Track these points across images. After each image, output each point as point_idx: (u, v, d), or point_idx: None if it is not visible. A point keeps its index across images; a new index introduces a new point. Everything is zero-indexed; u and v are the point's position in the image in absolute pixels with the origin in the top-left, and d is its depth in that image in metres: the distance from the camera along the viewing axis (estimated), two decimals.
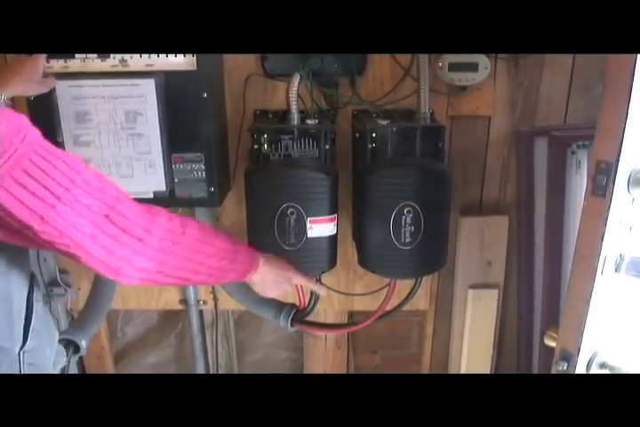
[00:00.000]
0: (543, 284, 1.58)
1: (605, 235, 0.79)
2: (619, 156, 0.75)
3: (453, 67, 1.44)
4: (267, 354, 2.01)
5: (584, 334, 0.86)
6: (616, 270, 0.83)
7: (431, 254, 1.35)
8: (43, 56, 1.20)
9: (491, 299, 1.70)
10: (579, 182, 1.38)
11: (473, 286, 1.70)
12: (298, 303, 1.53)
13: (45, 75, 1.20)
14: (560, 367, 0.91)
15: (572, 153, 1.37)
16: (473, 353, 1.77)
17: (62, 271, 1.74)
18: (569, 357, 0.90)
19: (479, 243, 1.65)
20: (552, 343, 0.98)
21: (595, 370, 0.89)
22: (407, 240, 1.29)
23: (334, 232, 1.33)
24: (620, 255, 0.82)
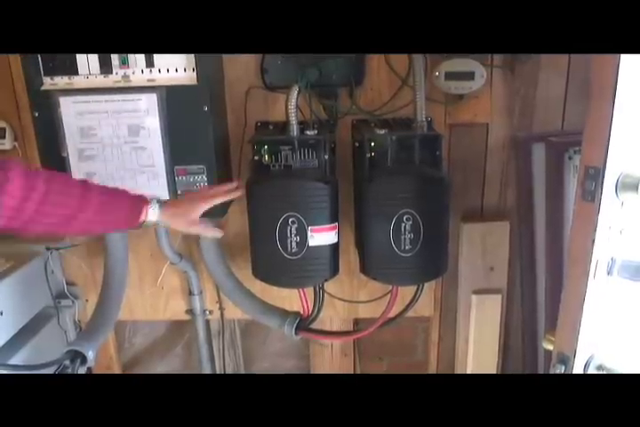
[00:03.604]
0: (546, 287, 1.59)
1: (596, 239, 0.81)
2: (606, 161, 0.76)
3: (450, 75, 1.46)
4: (273, 363, 2.03)
5: (580, 337, 0.87)
6: (608, 274, 0.84)
7: (431, 261, 1.36)
8: (207, 205, 1.21)
9: (494, 304, 1.71)
10: None
11: (476, 292, 1.71)
12: (302, 311, 1.54)
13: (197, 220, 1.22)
14: (557, 371, 0.92)
15: (569, 158, 1.39)
16: (479, 358, 1.77)
17: (70, 284, 1.77)
18: (566, 360, 0.91)
19: (481, 249, 1.66)
20: (550, 347, 0.99)
21: (592, 372, 0.90)
22: (407, 247, 1.31)
23: (335, 240, 1.34)
24: (612, 259, 0.83)
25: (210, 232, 1.29)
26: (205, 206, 1.20)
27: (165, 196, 1.39)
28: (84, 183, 1.09)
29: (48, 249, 1.66)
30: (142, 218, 1.14)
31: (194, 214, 1.20)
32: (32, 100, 1.35)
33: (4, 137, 1.57)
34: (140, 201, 1.15)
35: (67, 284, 1.76)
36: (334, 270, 1.38)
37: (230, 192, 1.25)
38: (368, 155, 1.35)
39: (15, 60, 1.49)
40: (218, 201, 1.22)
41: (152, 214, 1.15)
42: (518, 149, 1.58)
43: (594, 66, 0.79)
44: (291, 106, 1.34)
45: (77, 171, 1.37)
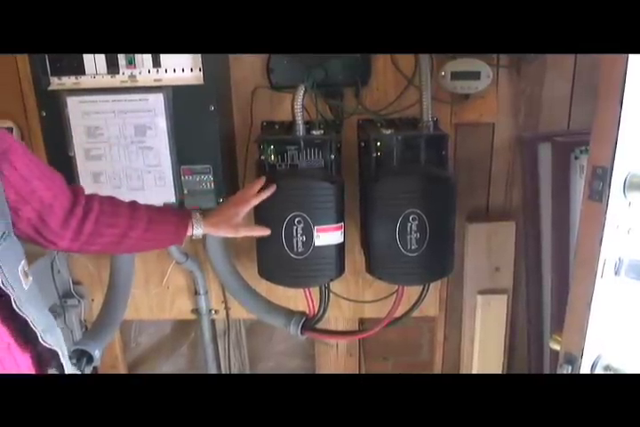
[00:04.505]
0: (551, 288, 1.58)
1: (603, 239, 0.81)
2: (613, 161, 0.76)
3: (456, 75, 1.46)
4: (279, 362, 2.03)
5: (587, 337, 0.87)
6: (616, 274, 0.84)
7: (437, 261, 1.36)
8: (247, 207, 1.23)
9: (500, 304, 1.71)
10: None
11: (482, 292, 1.71)
12: (307, 311, 1.55)
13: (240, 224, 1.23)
14: (565, 371, 0.92)
15: (576, 158, 1.39)
16: (484, 359, 1.77)
17: (76, 283, 1.78)
18: (573, 360, 0.91)
19: (486, 249, 1.66)
20: (557, 347, 0.99)
21: (599, 373, 0.90)
22: (413, 247, 1.31)
23: (341, 240, 1.34)
24: (619, 259, 0.83)
25: (257, 232, 1.30)
26: (245, 209, 1.22)
27: (171, 196, 1.40)
28: (132, 203, 1.12)
29: (54, 250, 1.67)
30: (189, 232, 1.17)
31: (236, 219, 1.21)
32: (39, 100, 1.36)
33: None
34: (185, 216, 1.17)
35: (73, 283, 1.77)
36: (340, 270, 1.38)
37: (265, 191, 1.26)
38: (374, 155, 1.35)
39: (22, 60, 1.49)
40: (255, 202, 1.24)
41: (197, 227, 1.17)
42: (524, 148, 1.58)
43: (602, 66, 0.79)
44: (297, 106, 1.34)
45: (84, 170, 1.38)
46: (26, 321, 0.85)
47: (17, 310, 0.83)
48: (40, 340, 0.87)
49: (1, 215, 0.87)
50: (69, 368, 0.97)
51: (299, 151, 1.34)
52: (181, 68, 1.33)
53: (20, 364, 0.87)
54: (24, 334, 0.87)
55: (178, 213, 1.18)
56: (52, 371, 0.94)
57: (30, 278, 0.89)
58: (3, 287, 0.81)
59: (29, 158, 0.93)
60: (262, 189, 1.26)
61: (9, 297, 0.82)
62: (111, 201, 1.10)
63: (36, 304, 0.89)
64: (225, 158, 1.42)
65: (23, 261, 0.89)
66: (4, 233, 0.85)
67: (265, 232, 1.29)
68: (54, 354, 0.92)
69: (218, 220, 1.20)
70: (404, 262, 1.33)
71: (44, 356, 0.92)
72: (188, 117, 1.34)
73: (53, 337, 0.91)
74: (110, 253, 1.49)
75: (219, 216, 1.20)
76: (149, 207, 1.14)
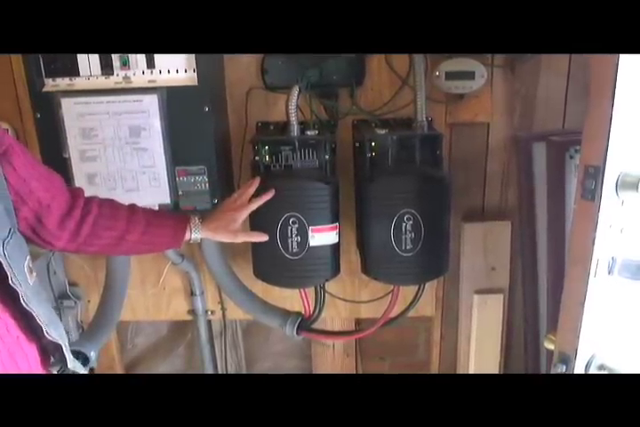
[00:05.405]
0: (547, 287, 1.58)
1: (596, 238, 0.81)
2: (605, 160, 0.76)
3: (450, 75, 1.46)
4: (275, 363, 2.03)
5: (580, 337, 0.87)
6: (609, 273, 0.84)
7: (432, 260, 1.36)
8: (246, 212, 1.23)
9: (496, 304, 1.71)
10: None
11: (478, 292, 1.71)
12: (303, 311, 1.55)
13: (239, 229, 1.23)
14: (559, 370, 0.92)
15: (571, 157, 1.39)
16: (481, 358, 1.77)
17: (72, 284, 1.78)
18: (567, 359, 0.91)
19: (482, 248, 1.66)
20: (552, 347, 0.99)
21: (593, 372, 0.90)
22: (408, 247, 1.31)
23: (336, 241, 1.35)
24: (612, 258, 0.83)
25: (255, 238, 1.30)
26: (244, 215, 1.22)
27: (165, 197, 1.39)
28: (131, 206, 1.13)
29: (50, 250, 1.66)
30: (187, 236, 1.17)
31: (235, 225, 1.21)
32: (34, 102, 1.36)
33: None
34: (183, 220, 1.17)
35: (69, 284, 1.77)
36: (335, 270, 1.38)
37: (262, 196, 1.25)
38: (369, 155, 1.36)
39: (17, 61, 1.49)
40: (253, 208, 1.23)
41: (195, 232, 1.17)
42: (519, 148, 1.58)
43: (592, 64, 0.79)
44: (291, 106, 1.34)
45: (79, 172, 1.37)
46: (32, 315, 0.86)
47: (24, 305, 0.84)
48: (45, 333, 0.89)
49: (7, 213, 0.87)
50: (71, 360, 0.98)
51: (293, 152, 1.34)
52: (175, 69, 1.33)
53: (29, 356, 0.90)
54: (31, 328, 0.89)
55: (176, 217, 1.18)
56: (55, 363, 0.97)
57: (34, 274, 0.90)
58: (12, 284, 0.82)
59: (27, 159, 0.93)
60: (258, 190, 1.26)
61: (17, 293, 0.83)
62: (110, 204, 1.10)
63: (40, 299, 0.90)
64: (220, 159, 1.42)
65: (28, 258, 0.90)
66: (10, 230, 0.86)
67: (262, 238, 1.29)
68: (58, 347, 0.94)
69: (216, 225, 1.20)
70: (400, 262, 1.33)
71: (48, 348, 0.94)
72: (182, 118, 1.34)
73: (57, 331, 0.93)
74: (107, 254, 1.50)
75: (217, 221, 1.20)
76: (148, 211, 1.15)
